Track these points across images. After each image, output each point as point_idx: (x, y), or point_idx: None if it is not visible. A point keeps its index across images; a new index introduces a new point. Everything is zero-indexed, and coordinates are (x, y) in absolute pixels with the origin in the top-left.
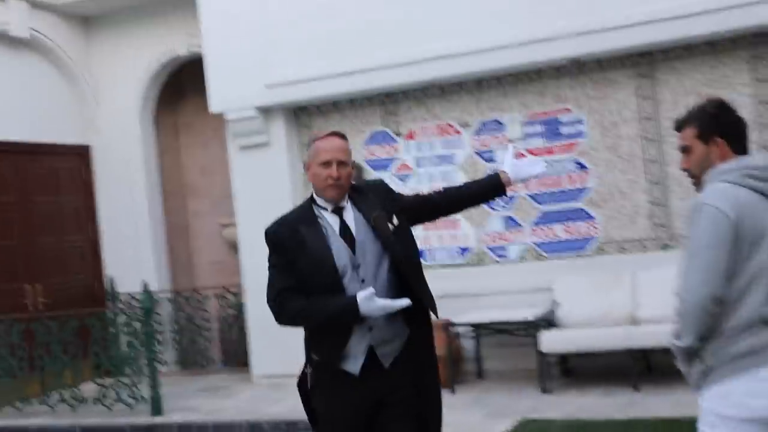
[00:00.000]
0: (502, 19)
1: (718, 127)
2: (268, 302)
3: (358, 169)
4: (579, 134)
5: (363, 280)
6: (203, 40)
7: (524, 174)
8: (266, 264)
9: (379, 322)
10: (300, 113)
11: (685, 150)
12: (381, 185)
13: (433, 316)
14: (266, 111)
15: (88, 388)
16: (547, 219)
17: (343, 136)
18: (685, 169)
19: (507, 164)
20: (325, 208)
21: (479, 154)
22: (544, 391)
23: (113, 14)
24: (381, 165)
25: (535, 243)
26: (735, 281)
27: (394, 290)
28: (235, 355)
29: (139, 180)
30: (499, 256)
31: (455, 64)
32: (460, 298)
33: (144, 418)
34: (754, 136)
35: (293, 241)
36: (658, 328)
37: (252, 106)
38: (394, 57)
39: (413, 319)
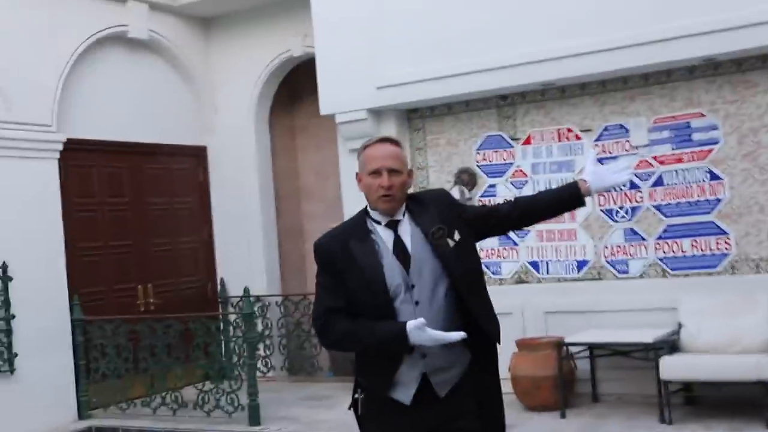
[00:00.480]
0: (629, 16)
1: None
2: (312, 321)
3: (472, 175)
4: (713, 141)
5: (417, 302)
6: (315, 41)
7: (607, 182)
8: None
9: (433, 348)
10: (412, 115)
11: None
12: (443, 195)
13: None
14: (377, 113)
15: (190, 393)
16: (673, 233)
17: (394, 142)
18: None
19: (587, 171)
20: (378, 222)
21: (601, 161)
22: (663, 421)
23: (231, 15)
24: (495, 171)
25: (659, 258)
26: None
27: (453, 313)
28: (344, 364)
29: (253, 182)
30: (620, 271)
31: (577, 64)
32: (576, 315)
33: (240, 427)
34: None
35: (343, 257)
36: None
37: (362, 107)
38: (510, 56)
39: (474, 343)
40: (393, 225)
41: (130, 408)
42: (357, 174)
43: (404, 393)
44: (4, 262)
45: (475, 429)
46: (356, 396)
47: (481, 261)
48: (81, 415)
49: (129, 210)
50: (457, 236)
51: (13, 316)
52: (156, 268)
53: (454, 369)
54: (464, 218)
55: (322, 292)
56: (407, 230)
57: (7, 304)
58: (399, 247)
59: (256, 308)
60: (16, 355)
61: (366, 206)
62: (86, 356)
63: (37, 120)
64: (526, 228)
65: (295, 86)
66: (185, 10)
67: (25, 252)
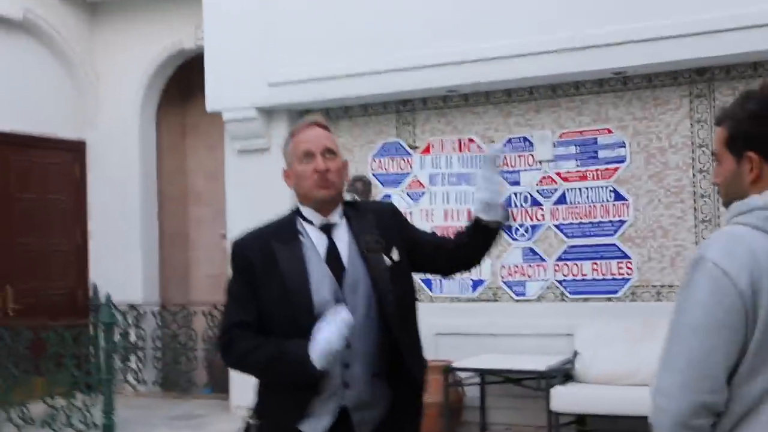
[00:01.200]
0: (538, 22)
1: (754, 135)
2: (218, 338)
3: (366, 184)
4: (619, 159)
5: None
6: (204, 32)
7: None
8: None
9: (357, 378)
10: (302, 115)
11: (716, 157)
12: (388, 207)
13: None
14: (268, 112)
15: (40, 408)
16: (575, 254)
17: (325, 126)
18: (715, 184)
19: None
20: (311, 222)
21: (503, 175)
22: None
23: (119, 1)
24: (391, 180)
25: (558, 281)
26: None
27: (381, 343)
28: (222, 380)
29: (135, 181)
30: (517, 293)
31: (481, 69)
32: (467, 337)
33: None
34: None
35: (263, 260)
36: None
37: (252, 105)
38: (412, 58)
39: (399, 382)
40: (327, 229)
41: None
42: (284, 171)
43: (314, 426)
44: None
45: None
46: (250, 422)
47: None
48: None
49: None
50: (395, 256)
51: None
52: (20, 269)
53: (378, 408)
54: (409, 238)
55: (232, 303)
56: (343, 237)
57: None
58: (332, 254)
59: (129, 318)
60: None
61: (296, 207)
62: None
63: None
64: (452, 271)
65: (187, 81)
66: None
67: None
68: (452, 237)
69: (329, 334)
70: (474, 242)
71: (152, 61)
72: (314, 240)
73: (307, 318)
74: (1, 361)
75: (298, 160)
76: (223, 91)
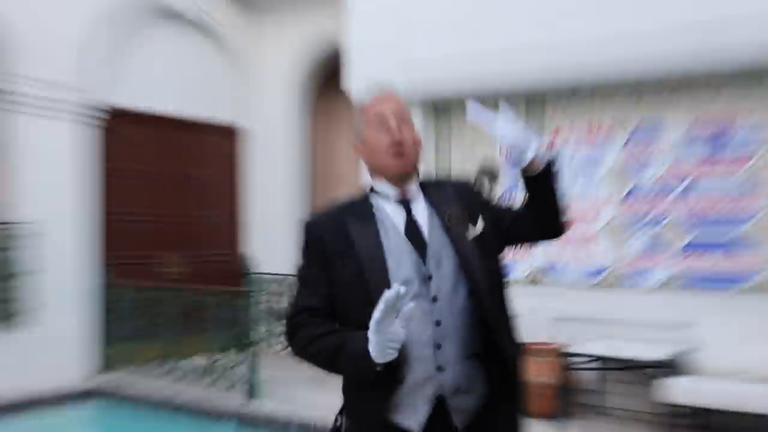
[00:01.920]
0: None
1: None
2: (285, 323)
3: (495, 176)
4: (755, 148)
5: (435, 298)
6: (347, 22)
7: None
8: None
9: (452, 359)
10: (439, 113)
11: None
12: (466, 181)
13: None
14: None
15: (199, 362)
16: (700, 245)
17: (398, 96)
18: None
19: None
20: (386, 198)
21: (630, 161)
22: None
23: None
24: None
25: (682, 272)
26: None
27: (475, 322)
28: None
29: (289, 163)
30: (638, 281)
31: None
32: (586, 323)
33: (238, 400)
34: None
35: (337, 240)
36: None
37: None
38: (543, 45)
39: (494, 364)
40: (405, 203)
41: (144, 370)
42: (355, 145)
43: (411, 418)
44: (33, 222)
45: None
46: (338, 423)
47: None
48: (102, 370)
49: (166, 183)
50: (480, 225)
51: (40, 273)
52: (186, 239)
53: (475, 394)
54: (490, 211)
55: (301, 288)
56: (422, 211)
57: (33, 260)
58: (412, 230)
59: (279, 286)
60: (40, 308)
61: (369, 186)
62: (108, 318)
63: (74, 83)
64: (543, 235)
65: (335, 72)
66: None
67: (57, 213)
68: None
69: (375, 319)
70: (536, 201)
71: (305, 54)
72: (392, 216)
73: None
74: (168, 320)
75: (371, 128)
76: (363, 74)
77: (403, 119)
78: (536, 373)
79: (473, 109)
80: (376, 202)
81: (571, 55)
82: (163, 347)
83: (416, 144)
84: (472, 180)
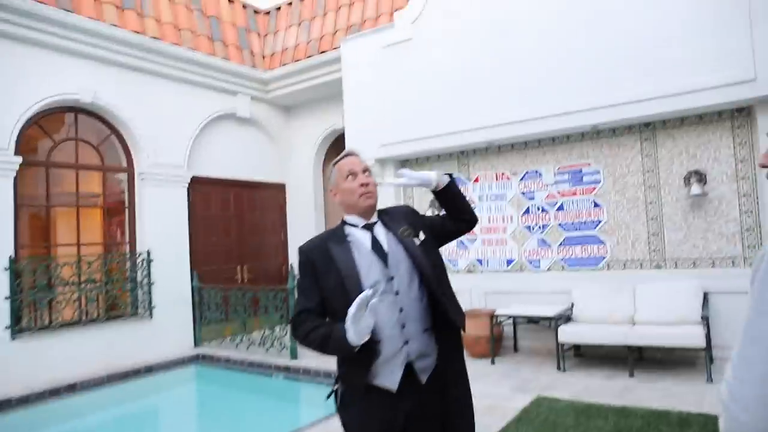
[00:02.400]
0: (542, 97)
1: None
2: (291, 320)
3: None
4: (597, 182)
5: (397, 292)
6: (345, 117)
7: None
8: None
9: (414, 334)
10: (404, 164)
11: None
12: (406, 207)
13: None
14: (382, 161)
15: (257, 335)
16: (569, 242)
17: (357, 155)
18: (763, 166)
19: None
20: (355, 226)
21: (523, 194)
22: (560, 369)
23: (300, 104)
24: None
25: (560, 259)
26: None
27: (426, 303)
28: None
29: (311, 205)
30: (534, 266)
31: (507, 129)
32: (505, 294)
33: (284, 360)
34: (733, 186)
35: (323, 258)
36: (650, 329)
37: (373, 158)
38: (466, 125)
39: (442, 332)
40: (369, 228)
41: (224, 343)
42: (331, 189)
43: (390, 379)
44: (148, 250)
45: (443, 411)
46: (336, 387)
47: (443, 258)
48: (197, 344)
49: (234, 220)
50: (422, 236)
51: (153, 283)
52: (250, 256)
53: (432, 356)
54: (425, 224)
55: (300, 295)
56: (382, 232)
57: (149, 276)
58: (376, 245)
59: None
60: (155, 306)
61: (342, 219)
62: (200, 309)
63: (175, 162)
64: (462, 228)
65: (339, 146)
66: (273, 101)
67: (163, 243)
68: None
69: (351, 314)
70: (448, 206)
71: (319, 136)
72: (360, 238)
73: (358, 295)
74: (237, 309)
75: (344, 179)
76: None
77: (366, 167)
78: (475, 328)
79: (392, 181)
80: (349, 230)
81: (484, 131)
82: (236, 326)
83: (375, 186)
84: (428, 206)
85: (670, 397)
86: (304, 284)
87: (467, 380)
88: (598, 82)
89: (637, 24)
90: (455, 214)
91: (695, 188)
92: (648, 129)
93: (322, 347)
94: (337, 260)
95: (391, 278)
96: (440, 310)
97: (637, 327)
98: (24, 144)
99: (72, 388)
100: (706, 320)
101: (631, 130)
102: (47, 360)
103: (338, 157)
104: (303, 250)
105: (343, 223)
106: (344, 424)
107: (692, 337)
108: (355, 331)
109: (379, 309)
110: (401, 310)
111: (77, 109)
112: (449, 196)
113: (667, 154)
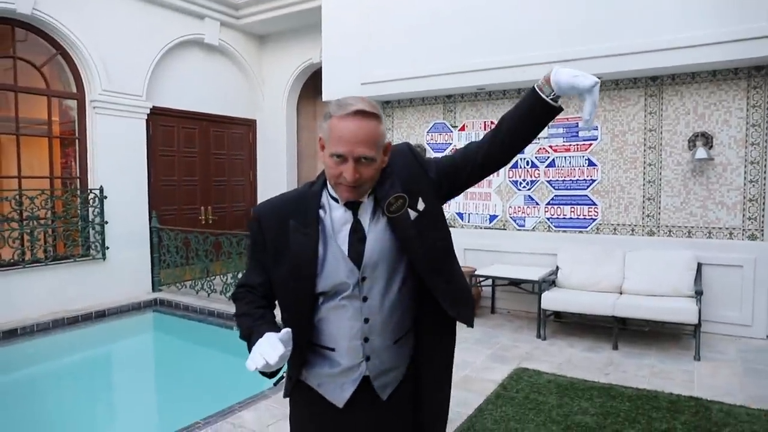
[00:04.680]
0: (539, 41)
1: None
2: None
3: (423, 150)
4: (593, 138)
5: (365, 298)
6: (322, 50)
7: (573, 82)
8: None
9: (378, 349)
10: (385, 106)
11: None
12: (405, 153)
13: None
14: None
15: (218, 281)
16: (559, 201)
17: (370, 115)
18: None
19: (555, 68)
20: (336, 200)
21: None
22: (539, 337)
23: (275, 33)
24: (439, 147)
25: (547, 218)
26: None
27: (410, 302)
28: None
29: (283, 144)
30: (518, 224)
31: (499, 75)
32: (486, 252)
33: None
34: (742, 153)
35: (278, 237)
36: (639, 299)
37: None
38: (454, 67)
39: (428, 335)
40: (354, 205)
41: (182, 288)
42: (320, 138)
43: (337, 396)
44: (101, 186)
45: (427, 424)
46: (284, 375)
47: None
48: (153, 290)
49: (198, 158)
50: (420, 205)
51: (106, 222)
52: (215, 197)
53: (399, 370)
54: (431, 175)
55: (248, 266)
56: (369, 212)
57: (102, 214)
58: (355, 231)
59: None
60: (108, 248)
61: (324, 178)
62: (159, 252)
63: (132, 91)
64: (504, 161)
65: (316, 83)
66: (245, 28)
67: (118, 180)
68: (487, 138)
69: (261, 350)
70: (538, 125)
71: (294, 70)
72: (336, 218)
73: (307, 306)
74: (198, 253)
75: (332, 146)
76: (333, 87)
77: (366, 154)
78: None
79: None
80: (326, 198)
81: (474, 74)
82: (197, 271)
83: (375, 174)
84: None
85: (657, 375)
86: (251, 257)
87: (446, 387)
88: (601, 28)
89: None
90: (526, 140)
91: (700, 152)
92: (654, 83)
93: (244, 338)
94: (293, 250)
95: (363, 279)
96: (430, 309)
97: (624, 297)
98: None
99: (11, 334)
100: (699, 295)
101: (636, 84)
102: None
103: (340, 104)
104: (257, 218)
105: (324, 185)
106: (290, 419)
107: (684, 312)
108: (251, 356)
109: (330, 318)
110: (366, 320)
111: (15, 22)
112: (551, 116)
113: (673, 112)
